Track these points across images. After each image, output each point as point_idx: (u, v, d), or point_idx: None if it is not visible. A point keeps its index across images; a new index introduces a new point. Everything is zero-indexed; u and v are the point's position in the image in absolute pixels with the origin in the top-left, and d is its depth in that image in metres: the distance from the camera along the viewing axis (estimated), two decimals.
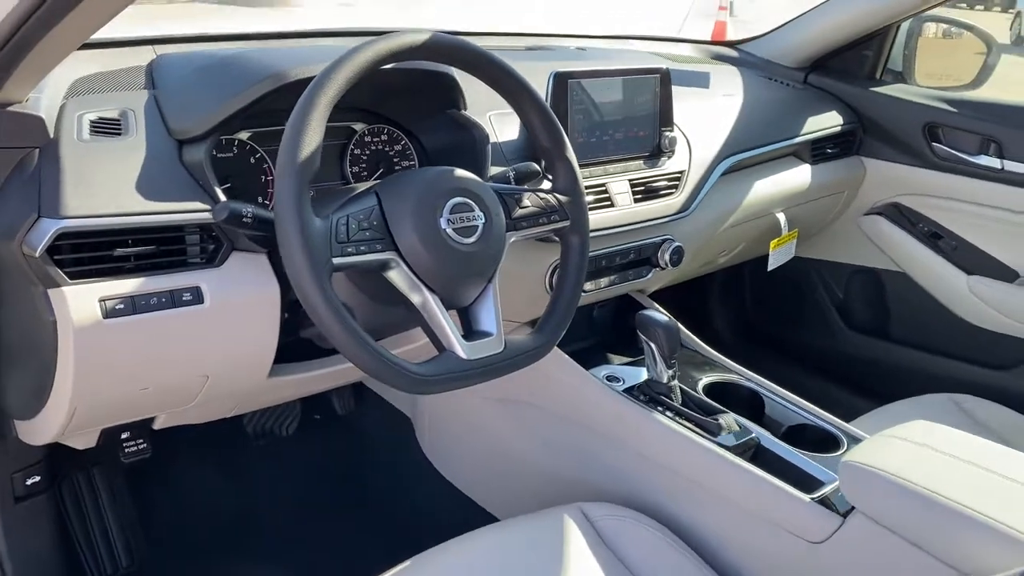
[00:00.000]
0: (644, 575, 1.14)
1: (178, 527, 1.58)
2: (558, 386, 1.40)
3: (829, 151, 1.91)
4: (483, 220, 1.03)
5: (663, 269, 1.50)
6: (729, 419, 1.29)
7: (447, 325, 1.01)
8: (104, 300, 0.95)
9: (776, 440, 1.27)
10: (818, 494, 1.15)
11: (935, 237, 1.92)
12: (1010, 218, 1.81)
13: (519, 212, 1.10)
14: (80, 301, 0.94)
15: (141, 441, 1.33)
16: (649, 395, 1.34)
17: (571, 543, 1.15)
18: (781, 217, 1.79)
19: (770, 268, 1.82)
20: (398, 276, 1.00)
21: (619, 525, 1.19)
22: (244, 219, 0.97)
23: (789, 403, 1.37)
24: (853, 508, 1.09)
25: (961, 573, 0.98)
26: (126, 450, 1.31)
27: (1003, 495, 1.00)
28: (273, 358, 1.12)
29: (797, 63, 2.02)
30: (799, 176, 1.82)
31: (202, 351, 1.05)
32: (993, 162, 1.80)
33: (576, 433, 1.39)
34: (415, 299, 1.00)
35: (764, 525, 1.16)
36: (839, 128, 1.91)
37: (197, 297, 1.01)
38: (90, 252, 0.95)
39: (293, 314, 1.10)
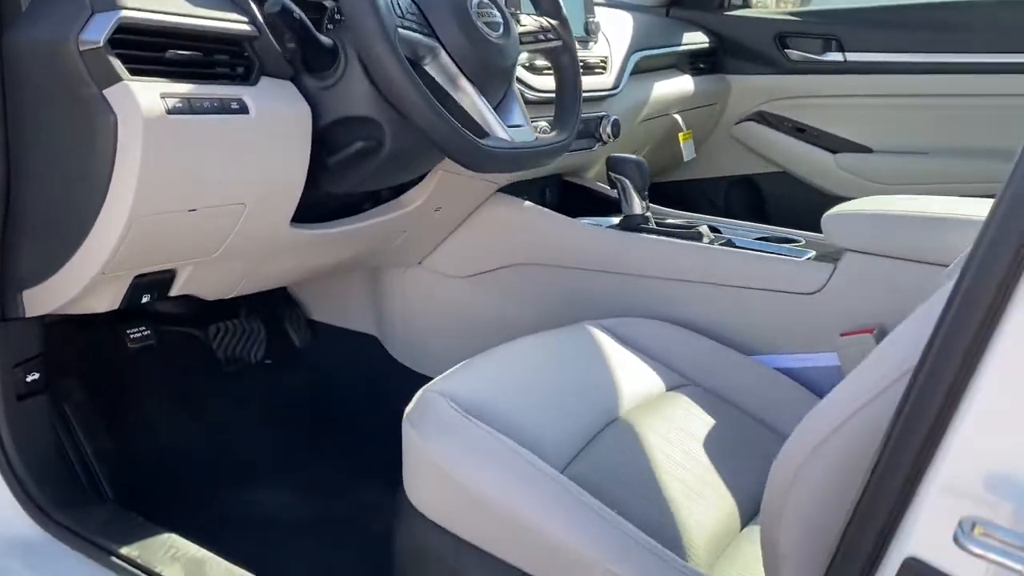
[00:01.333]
0: (666, 360, 1.25)
1: (160, 460, 1.50)
2: (545, 237, 1.50)
3: (701, 66, 2.17)
4: (502, 19, 1.13)
5: (604, 143, 1.66)
6: (704, 228, 1.44)
7: (488, 111, 1.10)
8: (165, 96, 0.96)
9: (749, 239, 1.43)
10: (803, 257, 1.32)
11: (800, 131, 2.21)
12: (857, 102, 2.13)
13: (520, 29, 1.21)
14: (145, 94, 0.94)
15: (145, 328, 1.28)
16: (630, 227, 1.47)
17: (596, 345, 1.24)
18: (679, 117, 2.02)
19: (686, 158, 2.04)
20: (436, 68, 1.08)
21: (634, 328, 1.30)
22: (293, 15, 1.02)
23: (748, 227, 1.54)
24: (844, 251, 1.25)
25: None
26: (131, 336, 1.26)
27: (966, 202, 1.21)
28: (300, 192, 1.15)
29: (656, 2, 2.29)
30: (684, 84, 2.07)
31: (245, 167, 1.07)
32: (837, 56, 2.12)
33: (567, 278, 1.48)
34: (455, 90, 1.08)
35: (761, 295, 1.31)
36: (705, 46, 2.18)
37: (243, 108, 1.04)
38: (146, 51, 0.96)
39: (323, 145, 1.14)
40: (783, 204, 2.28)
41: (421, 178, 1.40)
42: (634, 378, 1.18)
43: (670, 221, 1.49)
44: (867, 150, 2.13)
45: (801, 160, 2.21)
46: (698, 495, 1.00)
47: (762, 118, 2.24)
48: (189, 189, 1.04)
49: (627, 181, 1.46)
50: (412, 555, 0.98)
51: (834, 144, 2.16)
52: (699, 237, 1.42)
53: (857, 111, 2.13)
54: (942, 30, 2.00)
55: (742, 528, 0.99)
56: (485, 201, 1.52)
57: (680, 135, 2.04)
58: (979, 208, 1.17)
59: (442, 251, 1.58)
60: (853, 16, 2.12)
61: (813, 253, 1.35)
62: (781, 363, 1.29)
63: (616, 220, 1.51)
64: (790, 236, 1.45)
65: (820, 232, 1.30)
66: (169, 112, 0.96)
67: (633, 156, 1.48)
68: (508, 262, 1.53)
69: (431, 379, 1.64)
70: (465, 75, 1.08)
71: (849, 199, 2.10)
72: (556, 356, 1.20)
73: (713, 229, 1.45)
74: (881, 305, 1.21)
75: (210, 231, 1.12)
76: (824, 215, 1.27)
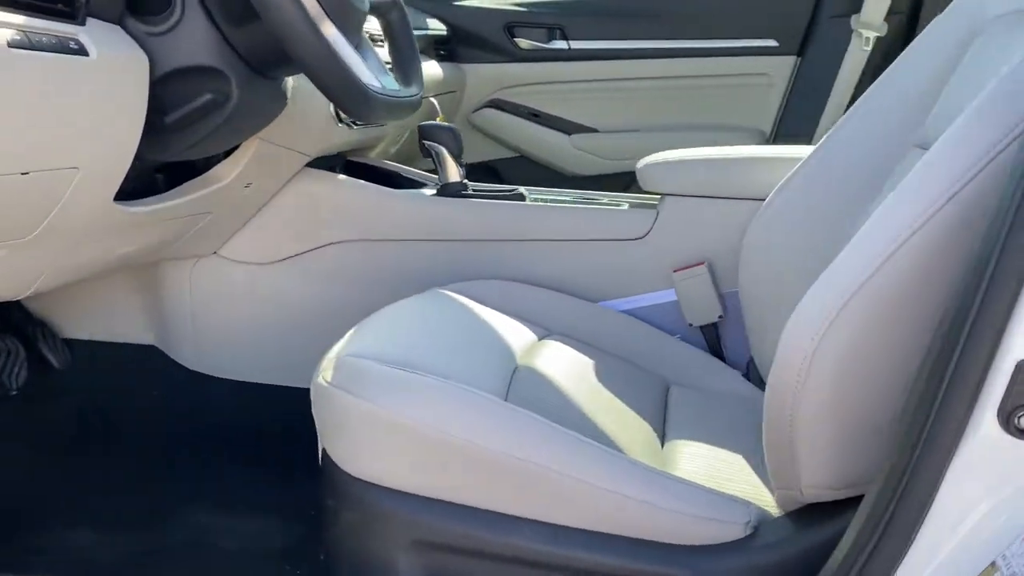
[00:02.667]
0: (523, 316, 1.26)
1: None
2: (365, 211, 1.43)
3: (442, 53, 2.21)
4: None
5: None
6: (523, 190, 1.47)
7: (358, 57, 1.03)
8: (3, 25, 0.78)
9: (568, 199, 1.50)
10: (623, 207, 1.41)
11: (535, 116, 2.34)
12: (583, 87, 2.31)
13: None
14: None
15: None
16: (451, 194, 1.46)
17: (459, 306, 1.23)
18: (435, 101, 2.04)
19: None
20: None
21: (483, 290, 1.30)
22: None
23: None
24: (663, 196, 1.36)
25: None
26: None
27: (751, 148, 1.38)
28: (132, 157, 1.00)
29: None
30: (433, 69, 2.09)
31: (82, 121, 0.90)
32: (562, 45, 2.29)
33: (393, 252, 1.43)
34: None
35: (593, 245, 1.38)
36: (442, 34, 2.23)
37: (82, 49, 0.88)
38: None
39: (154, 101, 0.99)
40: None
41: (232, 150, 1.26)
42: (507, 333, 1.19)
43: (487, 187, 1.51)
44: (595, 131, 2.32)
45: (539, 143, 2.35)
46: (618, 423, 1.03)
47: (498, 105, 2.34)
48: (22, 147, 0.85)
49: (443, 148, 1.45)
50: (369, 531, 0.89)
51: (566, 127, 2.33)
52: (522, 198, 1.45)
53: (584, 95, 2.31)
54: (653, 19, 2.24)
55: (662, 445, 1.04)
56: (294, 177, 1.42)
57: (438, 119, 2.05)
58: (767, 151, 1.34)
59: (243, 236, 1.44)
60: (575, 6, 2.30)
61: (627, 205, 1.45)
62: (624, 306, 1.36)
63: (432, 191, 1.49)
64: (596, 195, 1.54)
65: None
66: (11, 45, 0.78)
67: (446, 123, 1.47)
68: (323, 241, 1.44)
69: (244, 382, 1.51)
70: (329, 18, 1.01)
71: (586, 176, 2.31)
72: (431, 318, 1.16)
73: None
74: (704, 241, 1.34)
75: (34, 203, 0.92)
76: (639, 165, 1.37)
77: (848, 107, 2.09)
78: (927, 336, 0.69)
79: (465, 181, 1.47)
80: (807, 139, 2.14)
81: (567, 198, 1.51)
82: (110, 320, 1.54)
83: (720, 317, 1.32)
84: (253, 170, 1.30)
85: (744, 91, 2.23)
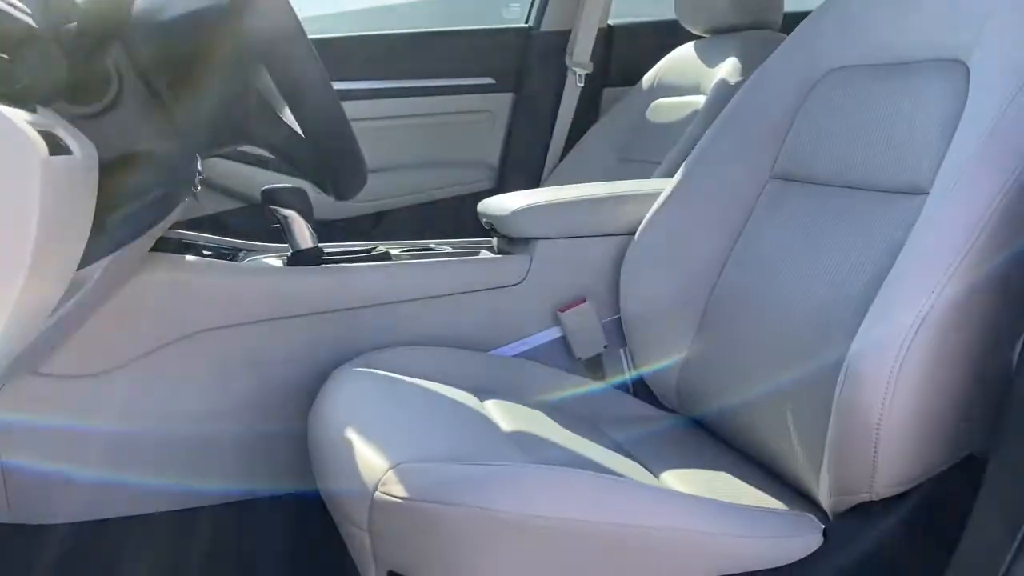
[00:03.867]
0: (440, 379, 1.22)
1: None
2: (215, 293, 1.24)
3: None
4: None
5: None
6: (383, 248, 1.40)
7: None
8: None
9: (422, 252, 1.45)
10: (496, 256, 1.42)
11: (264, 163, 2.18)
12: None
13: None
14: None
15: None
16: (308, 262, 1.33)
17: (384, 381, 1.15)
18: None
19: None
20: None
21: (389, 360, 1.22)
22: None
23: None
24: (533, 240, 1.40)
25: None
26: None
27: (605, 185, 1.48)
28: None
29: None
30: None
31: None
32: None
33: (249, 337, 1.26)
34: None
35: (474, 296, 1.36)
36: None
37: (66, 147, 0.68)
38: None
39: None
40: None
41: None
42: (460, 400, 1.15)
43: (342, 248, 1.40)
44: None
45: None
46: (616, 465, 1.06)
47: (220, 154, 2.13)
48: None
49: (292, 212, 1.31)
50: None
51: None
52: (388, 257, 1.38)
53: None
54: (379, 62, 2.23)
55: (657, 477, 1.09)
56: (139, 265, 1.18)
57: None
58: (629, 188, 1.45)
59: (71, 345, 1.16)
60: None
61: (483, 252, 1.45)
62: (515, 350, 1.37)
63: (278, 261, 1.34)
64: (443, 246, 1.52)
65: None
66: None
67: (290, 185, 1.33)
68: (169, 338, 1.22)
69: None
70: None
71: (330, 220, 2.21)
72: (391, 402, 1.07)
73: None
74: (580, 279, 1.40)
75: None
76: (508, 212, 1.39)
77: (569, 137, 2.32)
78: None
79: (319, 245, 1.36)
80: (534, 170, 2.32)
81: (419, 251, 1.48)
82: None
83: (605, 347, 1.40)
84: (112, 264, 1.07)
85: (469, 127, 2.33)
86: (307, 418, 1.13)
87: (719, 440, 1.23)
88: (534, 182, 2.30)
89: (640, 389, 1.39)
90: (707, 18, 2.00)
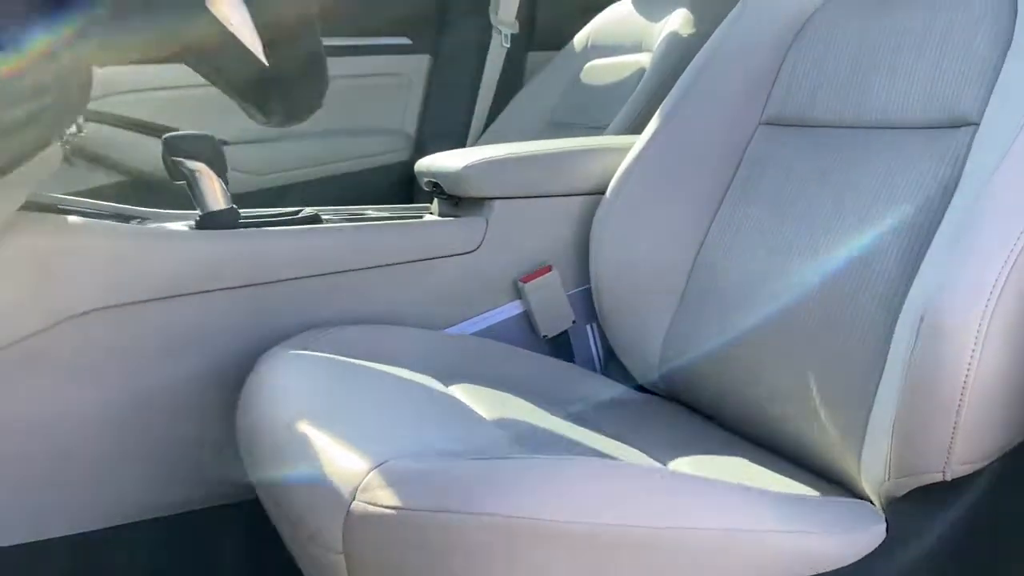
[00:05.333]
0: (392, 361, 1.02)
1: None
2: (113, 263, 0.98)
3: None
4: None
5: None
6: (309, 211, 1.17)
7: None
8: None
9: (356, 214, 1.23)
10: (447, 219, 1.22)
11: (142, 127, 1.89)
12: (190, 95, 1.93)
13: None
14: None
15: None
16: (223, 225, 1.09)
17: (336, 364, 0.94)
18: None
19: None
20: None
21: (332, 340, 1.01)
22: None
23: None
24: (490, 200, 1.20)
25: None
26: None
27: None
28: None
29: None
30: None
31: None
32: None
33: (155, 316, 1.01)
34: None
35: (425, 266, 1.16)
36: None
37: None
38: None
39: None
40: None
41: None
42: (428, 386, 0.95)
43: (261, 212, 1.16)
44: (225, 143, 1.96)
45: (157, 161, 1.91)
46: (621, 454, 0.89)
47: (93, 117, 1.84)
48: None
49: (202, 166, 1.08)
50: None
51: None
52: (319, 220, 1.15)
53: (208, 103, 1.93)
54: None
55: (667, 465, 0.92)
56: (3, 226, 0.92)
57: None
58: (594, 142, 1.28)
59: None
60: None
61: (428, 216, 1.25)
62: (471, 328, 1.18)
63: (183, 226, 1.10)
64: (381, 209, 1.30)
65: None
66: None
67: (198, 132, 1.10)
68: (56, 317, 0.96)
69: None
70: None
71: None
72: (347, 387, 0.86)
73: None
74: (544, 244, 1.22)
75: None
76: (459, 167, 1.19)
77: (495, 102, 2.13)
78: None
79: (234, 206, 1.12)
80: (455, 139, 2.12)
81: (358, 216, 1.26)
82: None
83: (573, 322, 1.23)
84: None
85: (382, 92, 2.11)
86: (233, 414, 0.90)
87: (717, 424, 1.08)
88: None
89: (615, 369, 1.23)
90: None
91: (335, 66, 2.02)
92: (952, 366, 0.71)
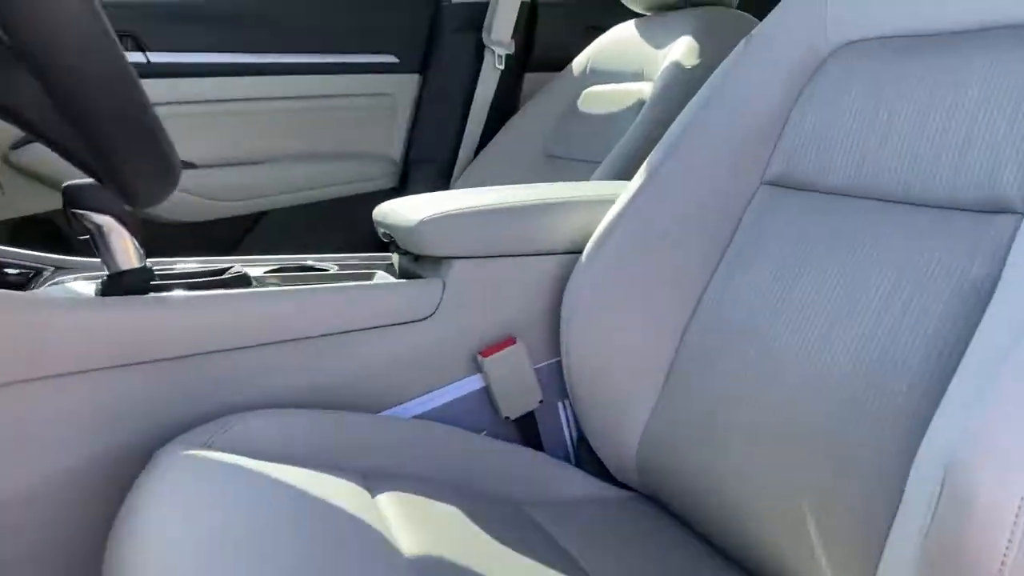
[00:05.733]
0: (308, 458, 0.87)
1: None
2: (4, 335, 0.84)
3: None
4: None
5: None
6: (239, 268, 1.03)
7: None
8: None
9: (292, 275, 1.08)
10: (399, 281, 1.06)
11: None
12: (167, 111, 1.80)
13: None
14: None
15: None
16: (134, 289, 0.94)
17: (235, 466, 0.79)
18: None
19: None
20: None
21: (243, 432, 0.86)
22: None
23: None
24: (439, 260, 1.05)
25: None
26: None
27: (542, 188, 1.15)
28: None
29: None
30: None
31: None
32: (137, 57, 1.75)
33: (46, 397, 0.87)
34: None
35: (368, 336, 1.01)
36: None
37: None
38: None
39: None
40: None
41: None
42: (341, 501, 0.79)
43: (182, 268, 1.02)
44: (192, 165, 1.83)
45: None
46: None
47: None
48: None
49: (108, 219, 0.93)
50: None
51: None
52: (248, 282, 1.01)
53: (172, 121, 1.81)
54: (254, 29, 1.83)
55: None
56: None
57: None
58: (569, 192, 1.12)
59: None
60: (152, 8, 1.78)
61: (383, 274, 1.10)
62: (421, 407, 1.02)
63: (90, 286, 0.96)
64: (327, 265, 1.15)
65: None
66: None
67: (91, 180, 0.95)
68: None
69: None
70: None
71: (181, 223, 1.81)
72: (199, 512, 0.71)
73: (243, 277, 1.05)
74: (509, 312, 1.06)
75: None
76: (415, 222, 1.04)
77: (485, 129, 1.98)
78: None
79: (148, 265, 0.98)
80: (443, 166, 1.97)
81: (300, 276, 1.11)
82: None
83: (540, 402, 1.07)
84: None
85: (367, 113, 1.96)
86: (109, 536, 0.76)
87: (692, 531, 0.92)
88: (444, 181, 1.95)
89: (586, 457, 1.07)
90: None
91: (316, 85, 1.90)
92: (982, 552, 0.54)
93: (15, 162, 1.69)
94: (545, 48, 2.04)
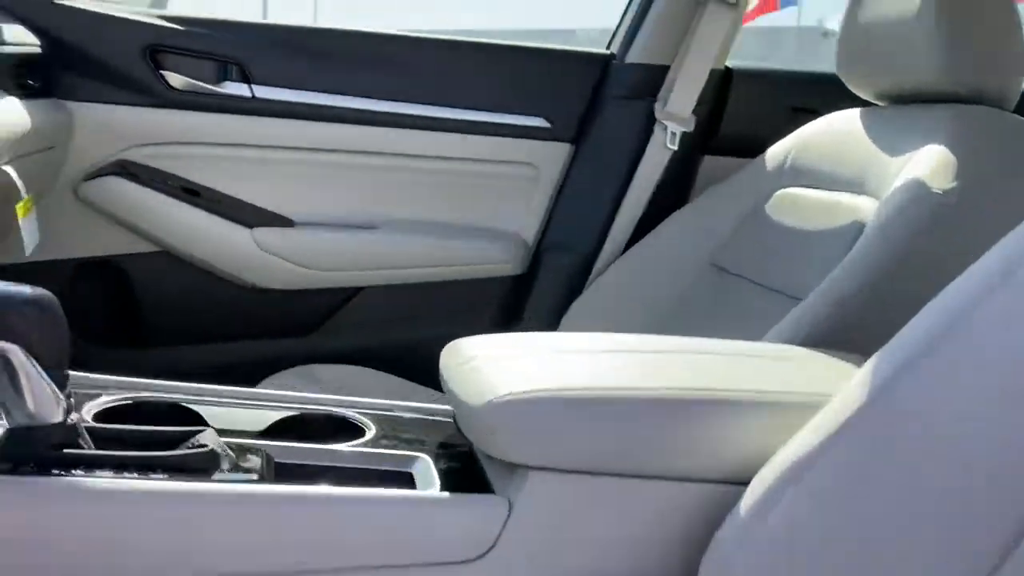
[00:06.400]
0: None
1: None
2: None
3: (30, 84, 1.31)
4: None
5: None
6: (210, 435, 0.68)
7: None
8: None
9: (296, 444, 0.73)
10: (442, 494, 0.68)
11: (191, 193, 1.50)
12: (271, 156, 1.53)
13: None
14: None
15: None
16: (45, 460, 0.62)
17: None
18: (12, 172, 1.13)
19: (29, 246, 1.15)
20: None
21: None
22: None
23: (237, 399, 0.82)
24: (523, 470, 0.67)
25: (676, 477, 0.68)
26: None
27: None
28: None
29: None
30: (11, 109, 1.19)
31: None
32: (242, 89, 1.49)
33: None
34: None
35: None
36: (30, 51, 1.33)
37: None
38: None
39: None
40: (170, 301, 1.54)
41: None
42: None
43: (121, 428, 0.69)
44: (290, 223, 1.54)
45: (194, 234, 1.51)
46: None
47: (128, 171, 1.46)
48: None
49: (17, 350, 0.61)
50: None
51: (245, 214, 1.52)
52: (216, 461, 0.66)
53: (274, 169, 1.53)
54: (379, 67, 1.54)
55: None
56: None
57: (18, 205, 1.15)
58: (735, 375, 0.72)
59: None
60: (263, 32, 1.52)
61: (426, 460, 0.73)
62: None
63: None
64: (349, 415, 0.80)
65: None
66: None
67: (26, 290, 0.64)
68: None
69: None
70: None
71: (275, 290, 1.54)
72: None
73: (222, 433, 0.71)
74: (607, 562, 0.67)
75: None
76: (485, 404, 0.67)
77: (646, 215, 1.59)
78: None
79: (74, 420, 0.65)
80: (585, 256, 1.59)
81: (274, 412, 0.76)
82: None
83: None
84: None
85: (502, 184, 1.61)
86: None
87: None
88: (580, 276, 1.57)
89: None
90: (895, 79, 1.23)
91: (443, 143, 1.58)
92: None
93: (83, 195, 1.46)
94: (735, 128, 1.62)
